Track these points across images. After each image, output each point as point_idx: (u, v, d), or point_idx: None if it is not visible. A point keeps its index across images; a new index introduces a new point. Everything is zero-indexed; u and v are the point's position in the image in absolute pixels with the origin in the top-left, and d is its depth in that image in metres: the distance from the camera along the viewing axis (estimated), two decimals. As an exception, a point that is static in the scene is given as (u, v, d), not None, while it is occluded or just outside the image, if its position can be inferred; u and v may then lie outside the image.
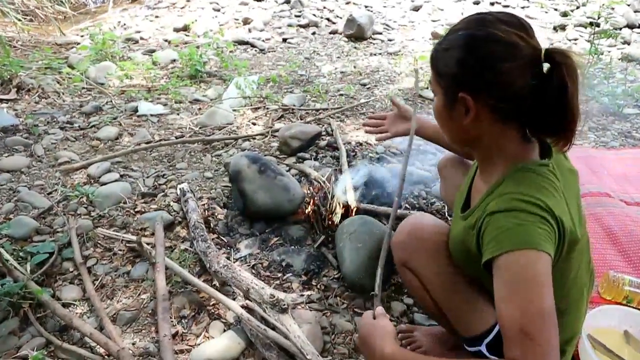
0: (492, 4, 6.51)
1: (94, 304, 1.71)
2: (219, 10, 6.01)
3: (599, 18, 4.04)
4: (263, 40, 5.09)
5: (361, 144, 2.94)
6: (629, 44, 5.22)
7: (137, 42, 4.95)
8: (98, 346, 1.55)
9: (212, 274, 1.82)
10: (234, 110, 3.36)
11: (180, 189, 2.29)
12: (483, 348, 1.18)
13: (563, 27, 5.72)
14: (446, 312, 1.30)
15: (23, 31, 4.97)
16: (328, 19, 5.88)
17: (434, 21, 5.99)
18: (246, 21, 5.61)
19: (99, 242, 2.04)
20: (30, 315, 1.68)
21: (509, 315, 0.90)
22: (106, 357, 1.53)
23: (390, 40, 5.29)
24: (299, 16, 5.90)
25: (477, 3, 6.50)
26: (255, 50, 4.85)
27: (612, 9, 5.63)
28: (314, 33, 5.44)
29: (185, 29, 5.35)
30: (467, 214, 1.12)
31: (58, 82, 3.71)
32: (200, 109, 3.43)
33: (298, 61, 4.47)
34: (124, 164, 2.66)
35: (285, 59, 4.60)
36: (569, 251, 1.01)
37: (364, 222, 1.94)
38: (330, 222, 2.08)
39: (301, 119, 3.26)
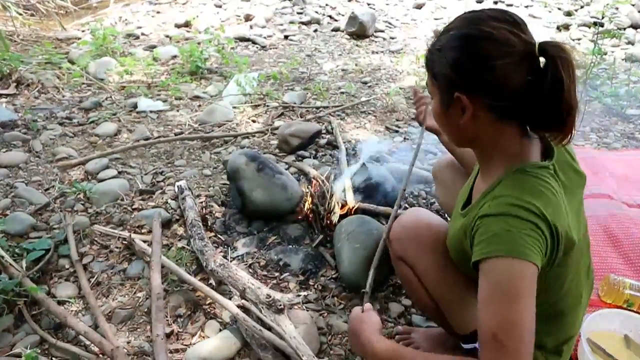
0: (495, 2, 6.47)
1: (89, 302, 1.70)
2: (220, 7, 5.98)
3: (602, 18, 4.02)
4: (264, 37, 5.06)
5: (361, 143, 2.92)
6: (633, 44, 5.18)
7: (138, 37, 4.92)
8: (93, 344, 1.54)
9: (209, 273, 1.80)
10: (234, 107, 3.34)
11: (178, 186, 2.28)
12: (478, 345, 1.17)
13: (567, 27, 5.68)
14: (442, 307, 1.30)
15: (24, 25, 4.95)
16: (330, 16, 5.85)
17: (436, 19, 5.95)
18: (248, 18, 5.58)
19: (96, 239, 2.03)
20: (25, 313, 1.67)
21: (484, 320, 0.91)
22: (100, 355, 1.52)
23: (392, 38, 5.27)
24: (301, 13, 5.87)
25: (480, 2, 6.46)
26: (257, 47, 4.82)
27: (616, 8, 5.59)
28: (315, 30, 5.41)
29: (187, 25, 5.32)
30: (465, 213, 1.11)
31: (58, 77, 3.69)
32: (200, 105, 3.41)
33: (299, 58, 4.44)
34: (122, 160, 2.65)
35: (287, 56, 4.58)
36: (565, 255, 0.99)
37: (362, 221, 1.92)
38: (328, 222, 2.07)
39: (301, 117, 3.24)
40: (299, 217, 2.15)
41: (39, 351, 1.53)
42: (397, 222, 1.38)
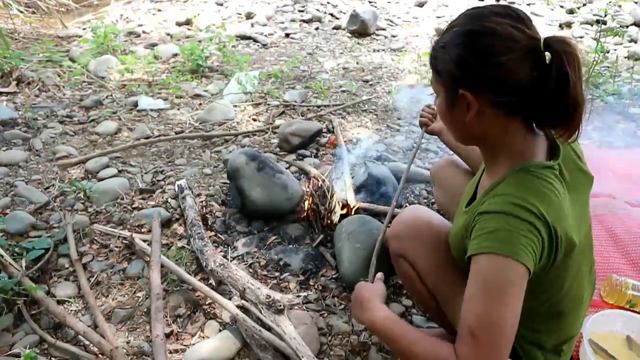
0: (497, 0, 6.44)
1: (88, 302, 1.69)
2: (221, 5, 5.96)
3: (605, 15, 3.99)
4: (265, 35, 5.05)
5: (362, 142, 2.90)
6: (635, 42, 5.16)
7: (139, 35, 4.91)
8: (92, 345, 1.54)
9: (209, 273, 1.79)
10: (235, 105, 3.33)
11: (178, 185, 2.27)
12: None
13: (569, 25, 5.66)
14: (442, 305, 1.30)
15: (25, 23, 4.95)
16: (331, 14, 5.83)
17: (438, 17, 5.93)
18: (249, 16, 5.56)
19: (95, 238, 2.02)
20: (24, 312, 1.66)
21: (465, 313, 0.93)
22: (100, 356, 1.51)
23: (393, 36, 5.25)
24: (302, 11, 5.86)
25: (482, -1, 6.44)
26: (258, 45, 4.81)
27: (619, 6, 5.56)
28: (317, 28, 5.39)
29: (188, 23, 5.31)
30: (468, 210, 1.11)
31: (59, 75, 3.68)
32: (200, 104, 3.40)
33: (300, 57, 4.43)
34: (123, 159, 2.64)
35: (288, 54, 4.56)
36: (565, 257, 0.98)
37: (363, 221, 1.91)
38: (329, 221, 2.06)
39: (302, 116, 3.23)
40: (300, 217, 2.14)
41: (38, 351, 1.52)
42: (397, 219, 1.38)
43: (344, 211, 2.08)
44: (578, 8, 6.20)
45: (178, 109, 3.29)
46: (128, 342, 1.59)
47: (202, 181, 2.45)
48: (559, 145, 1.04)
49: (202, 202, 2.26)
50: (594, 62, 3.41)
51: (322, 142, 2.87)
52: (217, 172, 2.55)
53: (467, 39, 0.97)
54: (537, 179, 0.97)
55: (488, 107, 0.98)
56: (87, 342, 1.56)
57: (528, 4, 6.32)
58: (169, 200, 2.26)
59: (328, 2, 6.12)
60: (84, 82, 3.65)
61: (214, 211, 2.21)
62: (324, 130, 2.99)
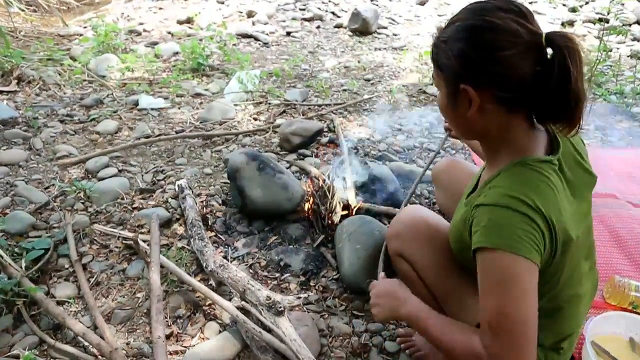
0: (499, -2, 6.41)
1: (88, 303, 1.68)
2: (222, 3, 5.95)
3: (608, 14, 3.95)
4: (267, 34, 5.03)
5: (363, 141, 2.90)
6: (638, 40, 5.13)
7: (140, 34, 4.90)
8: (91, 346, 1.53)
9: (209, 274, 1.79)
10: (236, 104, 3.32)
11: (178, 185, 2.26)
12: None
13: (571, 23, 5.63)
14: (442, 304, 1.30)
15: (26, 21, 4.94)
16: (333, 13, 5.81)
17: (440, 16, 5.91)
18: (250, 14, 5.55)
19: (95, 238, 2.02)
20: (24, 313, 1.66)
21: (481, 307, 0.95)
22: (99, 357, 1.51)
23: (395, 34, 5.23)
24: (303, 9, 5.84)
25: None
26: (259, 44, 4.80)
27: (622, 4, 5.51)
28: (318, 27, 5.38)
29: (189, 21, 5.30)
30: (467, 202, 1.11)
31: (59, 74, 3.68)
32: (201, 103, 3.39)
33: (301, 55, 4.41)
34: (123, 158, 2.63)
35: (289, 52, 4.55)
36: (563, 250, 0.99)
37: (363, 222, 1.90)
38: (330, 222, 2.05)
39: (303, 115, 3.21)
40: (301, 217, 2.13)
41: (37, 352, 1.52)
42: (396, 219, 1.39)
43: (346, 212, 2.07)
44: (580, 6, 6.17)
45: (179, 108, 3.28)
46: (128, 344, 1.59)
47: (203, 181, 2.44)
48: (560, 141, 1.05)
49: (202, 202, 2.25)
50: (597, 61, 3.39)
51: (323, 141, 2.85)
52: (218, 171, 2.54)
53: (469, 34, 0.96)
54: (533, 171, 0.98)
55: (490, 103, 0.98)
56: (87, 344, 1.55)
57: (530, 2, 6.30)
58: (169, 200, 2.25)
59: (329, 1, 6.10)
60: (85, 80, 3.65)
61: (215, 211, 2.20)
62: (325, 129, 2.98)
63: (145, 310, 1.71)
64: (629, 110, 3.46)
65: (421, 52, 4.51)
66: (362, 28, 5.11)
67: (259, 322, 1.53)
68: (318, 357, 1.53)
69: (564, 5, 6.26)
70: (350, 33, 5.17)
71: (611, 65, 3.97)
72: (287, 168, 2.47)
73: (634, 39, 5.13)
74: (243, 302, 1.60)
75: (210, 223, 2.11)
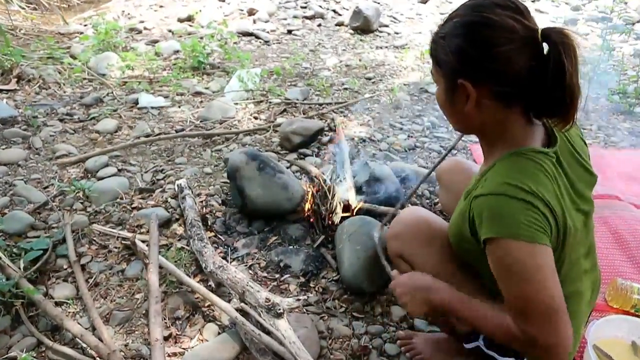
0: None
1: (86, 304, 1.67)
2: (223, 0, 5.92)
3: (611, 13, 3.93)
4: (268, 32, 5.01)
5: (364, 141, 2.88)
6: (641, 39, 5.10)
7: (140, 32, 4.88)
8: (89, 348, 1.52)
9: (208, 275, 1.77)
10: (236, 103, 3.31)
11: (178, 185, 2.25)
12: (480, 343, 1.18)
13: (574, 22, 5.60)
14: None
15: (26, 19, 4.92)
16: (334, 11, 5.79)
17: (442, 14, 5.88)
18: (251, 12, 5.53)
19: (94, 238, 2.01)
20: (22, 314, 1.64)
21: (507, 296, 1.00)
22: (97, 359, 1.49)
23: (397, 33, 5.20)
24: (304, 7, 5.81)
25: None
26: (260, 42, 4.78)
27: (625, 3, 5.49)
28: (319, 25, 5.35)
29: (190, 19, 5.28)
30: (465, 195, 1.12)
31: (59, 73, 3.66)
32: (202, 102, 3.37)
33: (302, 54, 4.40)
34: (122, 158, 2.62)
35: (290, 51, 4.53)
36: (563, 238, 1.00)
37: (364, 222, 1.89)
38: (330, 222, 2.03)
39: (304, 114, 3.20)
40: (301, 217, 2.12)
41: (35, 354, 1.51)
42: (396, 219, 1.39)
43: (346, 211, 2.06)
44: (583, 5, 6.15)
45: (179, 107, 3.27)
46: (126, 345, 1.58)
47: (203, 180, 2.43)
48: (557, 136, 1.07)
49: (202, 201, 2.23)
50: (600, 60, 3.37)
51: (323, 140, 2.84)
52: (218, 171, 2.53)
53: (467, 30, 0.99)
54: (529, 160, 1.00)
55: (487, 98, 1.00)
56: (85, 345, 1.54)
57: (532, 1, 6.27)
58: (169, 199, 2.24)
59: (331, -2, 6.08)
60: (85, 79, 3.64)
61: (214, 211, 2.19)
62: (326, 128, 2.96)
63: (144, 312, 1.70)
64: (631, 110, 3.44)
65: (423, 50, 4.49)
66: (363, 26, 5.09)
67: (258, 324, 1.51)
68: (317, 360, 1.52)
69: (566, 3, 6.23)
70: (352, 31, 5.15)
71: (614, 65, 3.94)
72: (288, 168, 2.45)
73: (637, 38, 5.10)
74: (242, 304, 1.59)
75: (209, 223, 2.10)
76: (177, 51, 4.25)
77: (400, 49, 4.69)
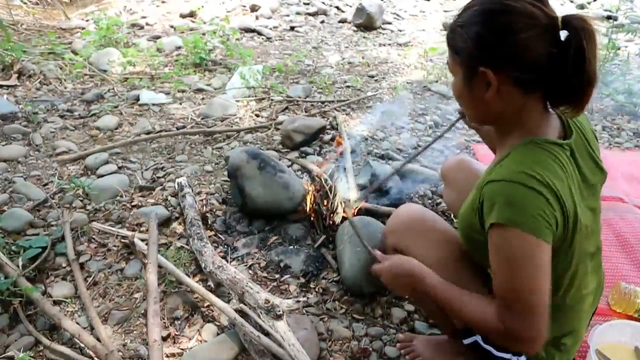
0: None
1: (85, 303, 1.66)
2: (226, -4, 5.90)
3: (617, 11, 3.90)
4: (270, 28, 4.99)
5: (366, 139, 2.86)
6: (647, 38, 5.05)
7: (142, 27, 4.87)
8: (87, 348, 1.51)
9: (207, 275, 1.76)
10: (238, 100, 3.29)
11: (178, 183, 2.23)
12: (478, 338, 1.18)
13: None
14: None
15: (27, 15, 4.91)
16: (337, 7, 5.76)
17: (445, 11, 5.85)
18: (254, 8, 5.50)
19: (94, 237, 1.99)
20: (20, 313, 1.63)
21: (493, 280, 1.02)
22: (95, 359, 1.48)
23: (400, 30, 5.18)
24: (307, 4, 5.79)
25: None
26: (262, 39, 4.75)
27: (631, 1, 5.44)
28: (322, 21, 5.33)
29: (192, 15, 5.26)
30: (478, 184, 1.11)
31: (60, 68, 3.65)
32: (203, 98, 3.35)
33: (305, 50, 4.37)
34: (123, 155, 2.61)
35: (292, 48, 4.51)
36: (572, 233, 1.00)
37: (365, 223, 1.87)
38: (331, 222, 2.01)
39: (306, 112, 3.18)
40: (301, 217, 2.10)
41: (33, 354, 1.50)
42: (393, 216, 1.42)
43: (348, 214, 2.04)
44: (588, 3, 6.10)
45: (180, 104, 3.25)
46: (124, 345, 1.56)
47: (203, 178, 2.41)
48: (572, 130, 1.07)
49: (202, 200, 2.22)
50: (605, 60, 3.34)
51: (325, 139, 2.82)
52: (218, 169, 2.51)
53: (486, 17, 0.99)
54: (543, 150, 1.00)
55: (507, 85, 1.00)
56: (83, 345, 1.53)
57: (537, -1, 6.22)
58: (169, 198, 2.22)
59: (334, -5, 6.05)
60: (86, 75, 3.62)
61: (214, 210, 2.18)
62: (328, 126, 2.94)
63: (142, 311, 1.68)
64: (636, 109, 3.41)
65: (426, 48, 4.46)
66: (366, 23, 5.06)
67: (258, 325, 1.50)
68: (317, 362, 1.50)
69: (571, 1, 6.19)
70: (355, 28, 5.12)
71: (619, 64, 3.91)
72: (289, 166, 2.43)
73: (643, 37, 5.05)
74: (241, 305, 1.57)
75: (209, 222, 2.08)
76: (179, 47, 4.23)
77: (404, 46, 4.66)
